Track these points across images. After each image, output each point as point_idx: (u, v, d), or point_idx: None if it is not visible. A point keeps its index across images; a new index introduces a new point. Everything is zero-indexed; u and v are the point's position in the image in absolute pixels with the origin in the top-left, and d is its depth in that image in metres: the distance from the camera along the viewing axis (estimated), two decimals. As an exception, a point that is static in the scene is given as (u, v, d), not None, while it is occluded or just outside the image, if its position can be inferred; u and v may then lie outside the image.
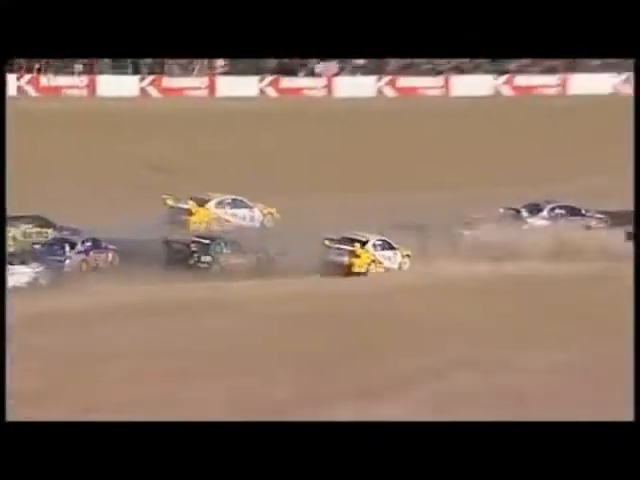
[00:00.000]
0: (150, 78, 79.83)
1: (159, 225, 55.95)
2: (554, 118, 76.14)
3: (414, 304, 51.90)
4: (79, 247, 55.22)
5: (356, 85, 79.52)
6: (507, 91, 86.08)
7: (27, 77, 77.79)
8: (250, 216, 64.39)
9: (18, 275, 51.63)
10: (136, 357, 42.53)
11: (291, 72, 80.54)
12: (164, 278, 52.71)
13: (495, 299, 52.93)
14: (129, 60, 79.18)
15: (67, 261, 54.60)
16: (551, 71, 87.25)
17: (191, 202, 62.75)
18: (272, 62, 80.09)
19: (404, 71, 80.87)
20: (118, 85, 77.78)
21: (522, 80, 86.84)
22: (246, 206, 64.35)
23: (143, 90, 79.27)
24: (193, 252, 55.28)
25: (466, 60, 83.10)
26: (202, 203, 63.47)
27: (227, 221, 63.38)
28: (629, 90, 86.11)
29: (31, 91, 78.81)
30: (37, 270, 52.63)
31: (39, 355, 43.60)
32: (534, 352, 46.09)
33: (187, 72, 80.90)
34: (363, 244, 57.39)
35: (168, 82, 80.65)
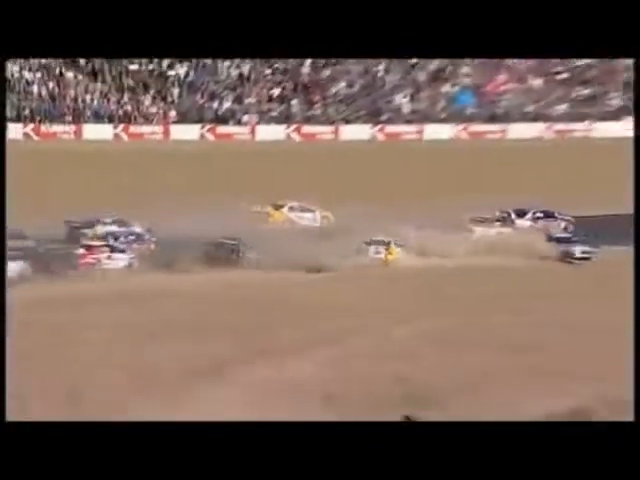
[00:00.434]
0: (121, 126, 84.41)
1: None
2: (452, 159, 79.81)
3: (349, 289, 53.86)
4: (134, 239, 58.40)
5: (271, 131, 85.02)
6: (380, 137, 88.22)
7: (31, 125, 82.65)
8: (312, 218, 67.62)
9: (118, 260, 55.75)
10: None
11: (224, 121, 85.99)
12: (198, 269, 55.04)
13: (407, 284, 55.22)
14: (106, 114, 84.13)
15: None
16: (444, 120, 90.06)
17: (270, 207, 66.49)
18: (211, 112, 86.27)
19: (305, 121, 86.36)
20: (97, 131, 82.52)
21: (391, 128, 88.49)
22: (309, 210, 67.65)
23: (116, 135, 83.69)
24: (234, 249, 57.26)
25: (352, 113, 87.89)
26: (278, 207, 67.18)
27: (295, 222, 66.69)
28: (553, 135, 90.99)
29: (33, 136, 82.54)
30: (131, 256, 55.86)
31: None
32: (411, 325, 47.42)
33: (148, 121, 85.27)
34: (388, 244, 59.81)
35: (134, 129, 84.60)
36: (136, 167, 67.88)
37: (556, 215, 67.33)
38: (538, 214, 68.06)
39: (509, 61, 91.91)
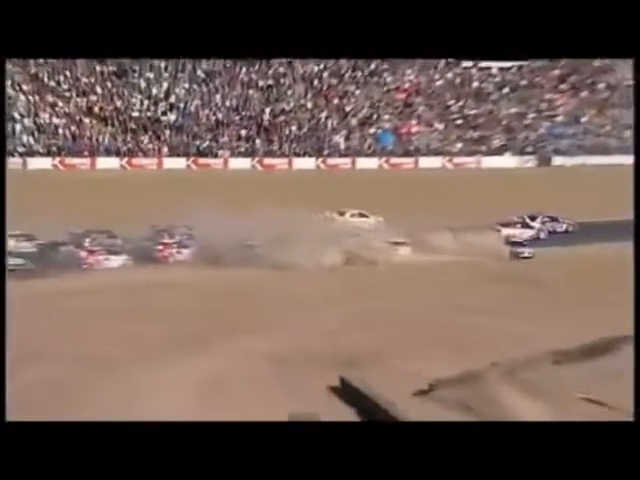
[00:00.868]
0: (125, 159, 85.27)
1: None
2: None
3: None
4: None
5: (239, 163, 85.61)
6: (323, 167, 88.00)
7: (58, 159, 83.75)
8: (369, 222, 67.09)
9: (184, 254, 56.42)
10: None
11: (204, 155, 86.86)
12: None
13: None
14: (114, 150, 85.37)
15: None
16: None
17: (335, 214, 66.80)
18: (194, 148, 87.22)
19: (266, 155, 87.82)
20: (107, 163, 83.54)
21: (331, 161, 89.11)
22: (366, 216, 67.61)
23: (122, 165, 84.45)
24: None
25: (302, 149, 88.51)
26: (342, 214, 67.51)
27: (356, 225, 65.72)
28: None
29: (60, 167, 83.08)
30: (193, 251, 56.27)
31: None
32: (348, 307, 47.51)
33: (146, 155, 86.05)
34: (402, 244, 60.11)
35: (135, 161, 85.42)
36: (137, 188, 68.57)
37: (559, 219, 67.99)
38: (545, 218, 68.35)
39: (419, 109, 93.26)
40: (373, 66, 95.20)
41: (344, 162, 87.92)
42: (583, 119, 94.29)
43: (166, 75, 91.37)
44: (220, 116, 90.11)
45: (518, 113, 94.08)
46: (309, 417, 30.05)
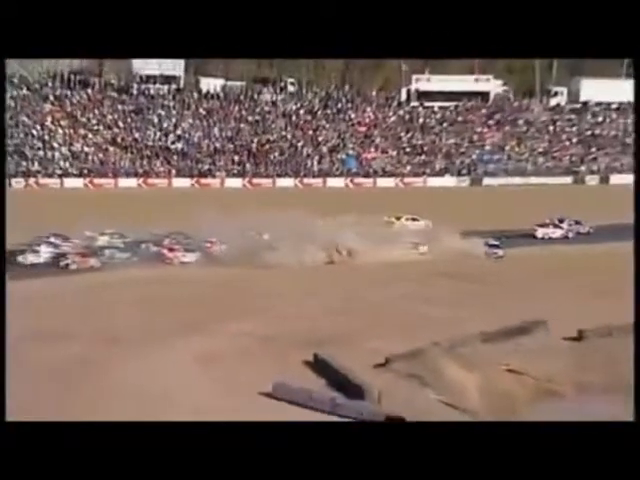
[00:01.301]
0: (142, 179, 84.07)
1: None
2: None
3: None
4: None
5: (233, 182, 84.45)
6: (300, 185, 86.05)
7: (87, 179, 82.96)
8: (419, 225, 65.10)
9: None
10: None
11: (205, 176, 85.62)
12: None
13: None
14: (132, 172, 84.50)
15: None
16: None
17: (393, 217, 65.16)
18: (196, 171, 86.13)
19: (254, 176, 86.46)
20: (127, 182, 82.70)
21: (306, 180, 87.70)
22: (418, 219, 65.46)
23: (139, 184, 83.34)
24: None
25: (283, 171, 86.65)
26: (399, 218, 65.60)
27: (410, 227, 64.51)
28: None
29: (90, 186, 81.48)
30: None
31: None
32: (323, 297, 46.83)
33: (158, 176, 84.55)
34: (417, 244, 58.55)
35: (150, 181, 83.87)
36: (150, 202, 68.11)
37: (582, 222, 66.02)
38: (571, 221, 66.52)
39: (377, 140, 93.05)
40: (340, 105, 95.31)
41: (317, 181, 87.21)
42: (506, 148, 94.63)
43: (174, 112, 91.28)
44: (217, 145, 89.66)
45: (455, 143, 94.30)
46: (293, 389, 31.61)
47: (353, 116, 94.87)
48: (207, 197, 70.74)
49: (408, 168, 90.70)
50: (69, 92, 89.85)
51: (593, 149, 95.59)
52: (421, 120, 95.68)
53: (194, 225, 56.30)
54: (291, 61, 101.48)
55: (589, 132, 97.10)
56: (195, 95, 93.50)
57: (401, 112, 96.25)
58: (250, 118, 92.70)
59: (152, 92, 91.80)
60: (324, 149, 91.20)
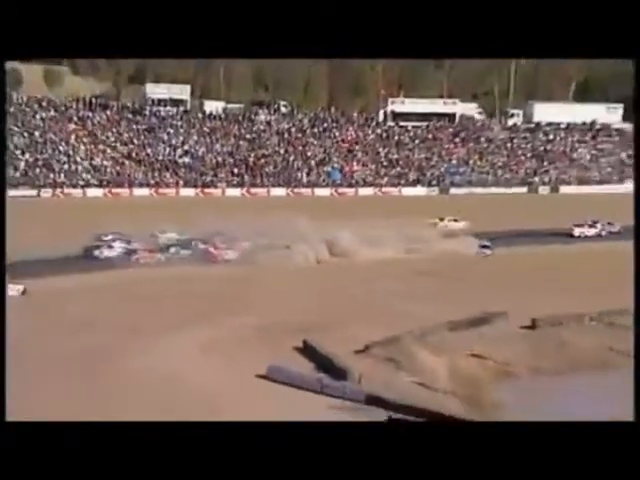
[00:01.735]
0: (153, 189, 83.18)
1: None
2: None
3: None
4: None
5: (232, 192, 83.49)
6: (291, 194, 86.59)
7: (107, 189, 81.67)
8: (459, 225, 64.96)
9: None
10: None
11: (208, 186, 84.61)
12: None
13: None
14: (145, 183, 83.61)
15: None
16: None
17: (437, 220, 65.30)
18: (200, 182, 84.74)
19: (251, 186, 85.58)
20: (141, 192, 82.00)
21: (297, 190, 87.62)
22: (457, 220, 65.58)
23: (151, 194, 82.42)
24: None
25: (276, 182, 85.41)
26: (442, 219, 65.72)
27: (450, 228, 64.52)
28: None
29: (109, 195, 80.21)
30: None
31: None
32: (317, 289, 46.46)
33: (168, 187, 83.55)
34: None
35: (160, 190, 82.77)
36: (161, 209, 66.51)
37: (614, 223, 64.71)
38: (606, 223, 65.92)
39: (358, 154, 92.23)
40: (326, 125, 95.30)
41: (306, 191, 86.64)
42: (470, 162, 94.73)
43: (181, 131, 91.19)
44: (219, 159, 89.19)
45: (426, 157, 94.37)
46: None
47: (337, 134, 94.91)
48: (210, 204, 70.31)
49: (385, 179, 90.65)
50: (90, 113, 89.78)
51: (545, 163, 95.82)
52: (396, 138, 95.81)
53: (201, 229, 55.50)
54: (284, 86, 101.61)
55: (541, 148, 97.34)
56: (200, 116, 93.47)
57: (379, 131, 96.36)
58: (248, 136, 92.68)
59: (162, 113, 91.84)
60: (312, 163, 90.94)
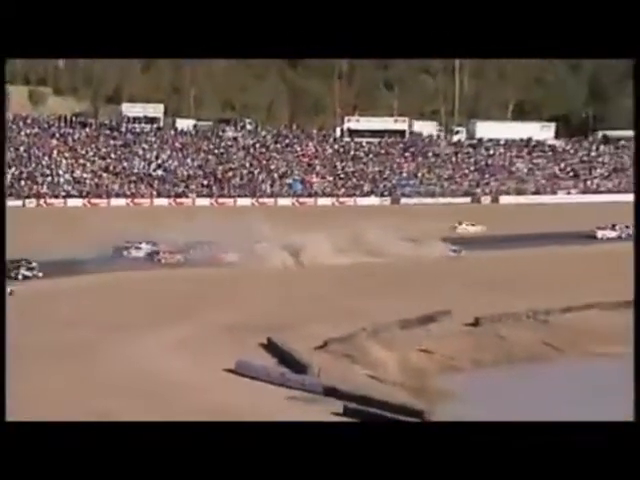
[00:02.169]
0: (129, 199, 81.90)
1: None
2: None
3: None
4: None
5: (201, 202, 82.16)
6: (256, 204, 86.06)
7: (86, 199, 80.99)
8: (476, 229, 65.52)
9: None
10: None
11: (180, 197, 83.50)
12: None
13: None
14: (122, 194, 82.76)
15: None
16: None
17: (456, 223, 65.75)
18: (173, 192, 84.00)
19: (219, 197, 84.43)
20: (118, 202, 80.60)
21: (261, 200, 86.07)
22: (475, 225, 65.52)
23: (127, 204, 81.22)
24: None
25: (242, 192, 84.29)
26: (460, 223, 66.11)
27: (469, 231, 64.88)
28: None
29: (88, 204, 79.37)
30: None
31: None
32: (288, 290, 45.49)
33: (143, 197, 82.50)
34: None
35: (137, 201, 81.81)
36: (138, 218, 64.31)
37: (629, 226, 63.18)
38: (622, 225, 65.48)
39: (317, 168, 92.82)
40: (288, 140, 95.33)
41: (270, 201, 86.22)
42: (419, 175, 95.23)
43: (155, 146, 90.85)
44: (190, 172, 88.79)
45: (379, 170, 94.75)
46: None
47: (298, 149, 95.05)
48: (182, 214, 69.77)
49: (342, 190, 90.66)
50: (71, 130, 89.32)
51: (486, 175, 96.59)
52: (352, 152, 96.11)
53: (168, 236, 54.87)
54: (249, 105, 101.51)
55: (483, 162, 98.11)
56: (172, 132, 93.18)
57: (336, 146, 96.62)
58: (216, 151, 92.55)
59: (137, 130, 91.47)
60: (275, 175, 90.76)
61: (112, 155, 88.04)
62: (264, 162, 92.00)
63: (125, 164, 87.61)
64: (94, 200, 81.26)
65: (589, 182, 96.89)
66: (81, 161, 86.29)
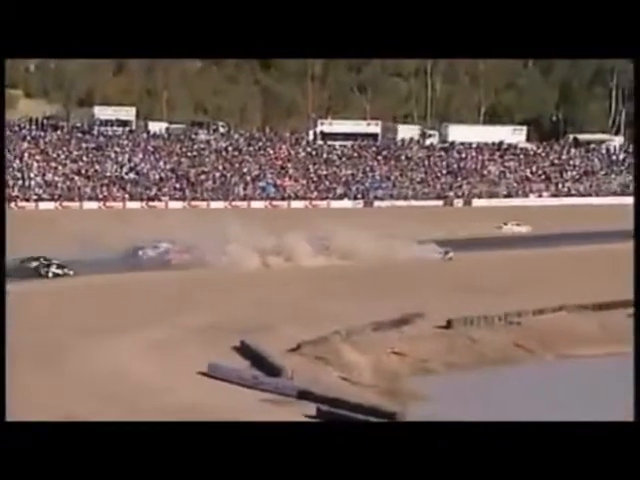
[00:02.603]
0: (102, 203, 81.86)
1: None
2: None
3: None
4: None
5: (175, 205, 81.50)
6: (229, 207, 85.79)
7: (58, 203, 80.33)
8: (521, 229, 65.24)
9: None
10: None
11: (152, 200, 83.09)
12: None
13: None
14: (94, 196, 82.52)
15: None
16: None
17: (502, 224, 65.54)
18: (146, 195, 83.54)
19: (192, 199, 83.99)
20: (90, 205, 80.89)
21: (234, 203, 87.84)
22: (520, 224, 65.37)
23: (100, 207, 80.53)
24: None
25: (215, 196, 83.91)
26: (506, 224, 65.95)
27: (514, 231, 64.42)
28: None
29: (60, 207, 78.67)
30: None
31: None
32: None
33: (115, 200, 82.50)
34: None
35: (109, 204, 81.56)
36: (109, 221, 60.91)
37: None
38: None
39: (290, 171, 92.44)
40: (261, 143, 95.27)
41: (243, 204, 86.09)
42: (392, 178, 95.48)
43: (127, 149, 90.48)
44: (163, 175, 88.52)
45: (352, 173, 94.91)
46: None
47: (271, 152, 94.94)
48: (154, 217, 68.77)
49: (315, 193, 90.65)
50: (42, 133, 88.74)
51: (458, 179, 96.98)
52: (325, 155, 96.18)
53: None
54: (222, 108, 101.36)
55: (455, 165, 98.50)
56: (144, 135, 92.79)
57: (309, 149, 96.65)
58: (189, 154, 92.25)
59: (110, 133, 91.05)
60: (248, 178, 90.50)
61: (84, 158, 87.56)
62: (237, 165, 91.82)
63: (97, 167, 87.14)
64: (66, 203, 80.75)
65: (560, 185, 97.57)
66: (52, 164, 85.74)
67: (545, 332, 41.46)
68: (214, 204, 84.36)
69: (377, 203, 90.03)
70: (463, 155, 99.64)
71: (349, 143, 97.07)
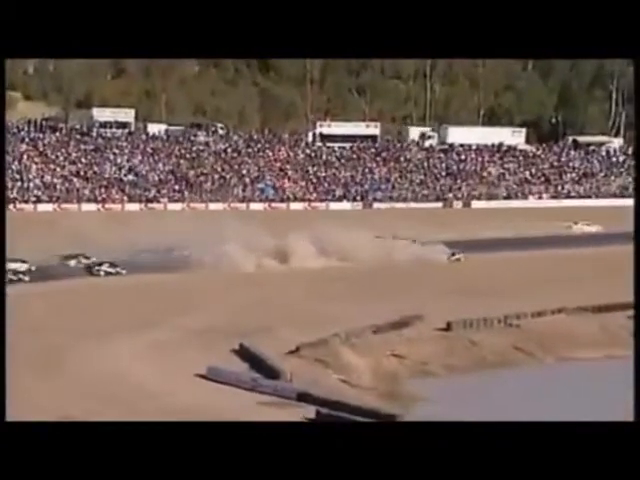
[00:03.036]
0: (100, 205, 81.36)
1: None
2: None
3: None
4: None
5: (174, 206, 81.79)
6: (227, 208, 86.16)
7: (57, 204, 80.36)
8: (591, 229, 64.83)
9: None
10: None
11: (151, 201, 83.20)
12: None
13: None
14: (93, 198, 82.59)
15: None
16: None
17: (572, 223, 65.71)
18: (144, 197, 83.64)
19: (191, 201, 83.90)
20: (89, 207, 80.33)
21: (233, 205, 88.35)
22: (590, 224, 65.21)
23: (98, 209, 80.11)
24: None
25: (214, 198, 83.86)
26: (576, 223, 65.73)
27: (585, 230, 64.24)
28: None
29: (58, 209, 78.30)
30: None
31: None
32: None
33: (114, 202, 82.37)
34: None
35: (107, 206, 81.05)
36: (107, 223, 62.05)
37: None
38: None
39: (289, 173, 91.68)
40: (260, 145, 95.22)
41: (242, 205, 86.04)
42: (391, 179, 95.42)
43: (126, 151, 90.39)
44: (162, 177, 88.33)
45: (351, 175, 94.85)
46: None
47: (270, 154, 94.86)
48: (153, 218, 68.96)
49: (314, 195, 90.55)
50: (41, 135, 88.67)
51: (458, 180, 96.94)
52: (324, 157, 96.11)
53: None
54: (221, 110, 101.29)
55: (454, 167, 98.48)
56: (143, 137, 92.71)
57: (308, 151, 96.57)
58: (187, 155, 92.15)
59: (108, 135, 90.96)
60: (247, 180, 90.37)
61: (83, 160, 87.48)
62: (236, 167, 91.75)
63: (96, 169, 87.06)
64: (64, 205, 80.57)
65: (560, 187, 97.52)
66: (51, 166, 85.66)
67: (545, 335, 41.27)
68: (213, 206, 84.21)
69: (376, 205, 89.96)
70: (462, 157, 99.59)
71: (348, 145, 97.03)
